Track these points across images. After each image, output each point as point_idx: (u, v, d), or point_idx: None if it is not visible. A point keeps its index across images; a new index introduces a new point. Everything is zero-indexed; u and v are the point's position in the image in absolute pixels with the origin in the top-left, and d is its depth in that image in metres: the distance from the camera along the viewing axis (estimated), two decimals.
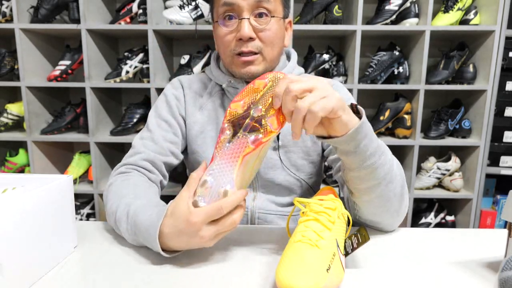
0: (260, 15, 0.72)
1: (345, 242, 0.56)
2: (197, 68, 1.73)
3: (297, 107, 0.50)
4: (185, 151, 0.87)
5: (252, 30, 0.72)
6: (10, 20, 1.72)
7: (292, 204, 0.85)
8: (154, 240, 0.54)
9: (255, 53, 0.74)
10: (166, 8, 1.73)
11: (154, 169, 0.78)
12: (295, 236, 0.53)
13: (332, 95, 0.51)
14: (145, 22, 1.67)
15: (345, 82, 1.76)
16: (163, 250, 0.55)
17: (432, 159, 1.81)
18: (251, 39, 0.73)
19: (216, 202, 0.51)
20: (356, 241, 0.54)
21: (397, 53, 1.72)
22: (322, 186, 0.95)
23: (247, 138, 0.53)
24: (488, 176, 1.81)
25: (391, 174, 0.61)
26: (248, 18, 0.72)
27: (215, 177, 0.53)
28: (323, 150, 0.85)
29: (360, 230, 0.55)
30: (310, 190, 0.87)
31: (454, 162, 1.77)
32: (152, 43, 1.65)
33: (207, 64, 1.73)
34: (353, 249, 0.54)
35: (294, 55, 0.87)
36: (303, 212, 0.57)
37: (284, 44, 0.82)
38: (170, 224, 0.53)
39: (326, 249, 0.50)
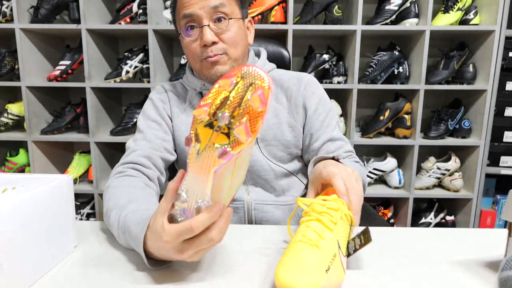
0: (218, 19, 0.77)
1: (348, 243, 0.55)
2: None
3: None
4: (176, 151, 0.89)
5: (214, 35, 0.77)
6: (10, 20, 1.72)
7: (285, 192, 0.87)
8: (141, 252, 0.52)
9: (220, 54, 0.78)
10: (166, 8, 1.73)
11: (151, 165, 0.78)
12: (296, 236, 0.53)
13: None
14: (145, 22, 1.67)
15: (345, 82, 1.76)
16: (154, 259, 0.53)
17: (432, 159, 1.81)
18: (214, 43, 0.77)
19: (188, 220, 0.46)
20: (359, 242, 0.54)
21: (397, 53, 1.72)
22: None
23: (215, 150, 0.44)
24: (488, 176, 1.81)
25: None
26: (208, 25, 0.76)
27: (189, 192, 0.47)
28: (303, 148, 0.89)
29: (363, 231, 0.55)
30: (295, 179, 0.89)
31: (454, 162, 1.77)
32: (152, 43, 1.65)
33: None
34: (355, 250, 0.54)
35: (263, 53, 0.92)
36: (305, 212, 0.57)
37: (248, 42, 0.86)
38: (151, 238, 0.51)
39: (327, 249, 0.50)
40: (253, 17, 1.63)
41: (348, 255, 0.54)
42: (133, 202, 0.63)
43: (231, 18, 0.78)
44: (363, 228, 0.55)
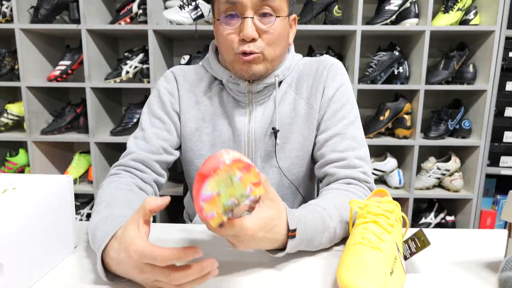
0: (264, 14, 0.70)
1: (403, 246, 0.55)
2: None
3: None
4: (179, 149, 0.85)
5: (255, 30, 0.69)
6: (10, 20, 1.72)
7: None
8: (99, 262, 0.49)
9: (257, 52, 0.72)
10: (166, 8, 1.73)
11: (146, 169, 0.76)
12: (355, 238, 0.52)
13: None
14: (145, 22, 1.67)
15: None
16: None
17: (432, 159, 1.81)
18: (253, 39, 0.70)
19: (157, 248, 0.44)
20: (415, 246, 0.53)
21: (397, 53, 1.72)
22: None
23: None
24: (488, 176, 1.81)
25: (335, 236, 0.62)
26: (252, 17, 0.69)
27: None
28: (313, 157, 0.82)
29: (417, 234, 0.54)
30: (297, 192, 0.85)
31: (454, 162, 1.77)
32: (152, 43, 1.65)
33: None
34: (411, 254, 0.53)
35: (291, 47, 0.86)
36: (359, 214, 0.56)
37: (288, 42, 0.79)
38: (115, 247, 0.48)
39: (388, 252, 0.49)
40: None
41: (405, 258, 0.54)
42: (108, 208, 0.59)
43: (278, 16, 0.70)
44: (415, 230, 0.54)
